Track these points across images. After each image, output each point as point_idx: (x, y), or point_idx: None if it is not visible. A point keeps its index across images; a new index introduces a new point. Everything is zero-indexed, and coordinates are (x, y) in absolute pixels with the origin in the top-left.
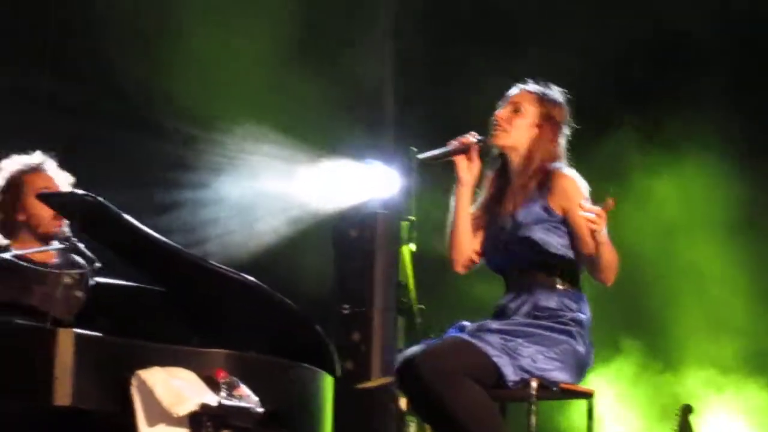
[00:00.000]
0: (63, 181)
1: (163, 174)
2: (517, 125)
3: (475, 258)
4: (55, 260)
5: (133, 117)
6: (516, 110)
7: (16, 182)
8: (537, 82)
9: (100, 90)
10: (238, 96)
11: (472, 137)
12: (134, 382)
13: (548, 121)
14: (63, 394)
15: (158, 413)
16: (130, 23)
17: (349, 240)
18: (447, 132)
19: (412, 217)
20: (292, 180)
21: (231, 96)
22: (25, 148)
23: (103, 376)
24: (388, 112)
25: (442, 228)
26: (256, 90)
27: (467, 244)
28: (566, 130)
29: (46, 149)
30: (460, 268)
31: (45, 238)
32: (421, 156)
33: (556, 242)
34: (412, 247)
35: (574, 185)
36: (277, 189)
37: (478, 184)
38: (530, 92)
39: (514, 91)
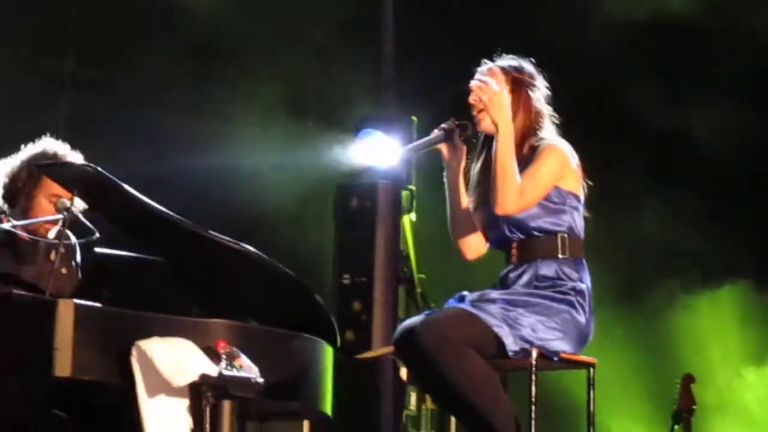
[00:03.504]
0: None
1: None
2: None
3: (483, 242)
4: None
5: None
6: None
7: (28, 175)
8: (502, 56)
9: None
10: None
11: (451, 122)
12: (134, 352)
13: (519, 85)
14: (63, 365)
15: (159, 384)
16: None
17: (350, 210)
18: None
19: (413, 187)
20: (293, 150)
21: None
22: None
23: (103, 347)
24: (388, 80)
25: (443, 198)
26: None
27: (470, 230)
28: (543, 92)
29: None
30: (470, 256)
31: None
32: (405, 148)
33: (552, 217)
34: (413, 216)
35: (552, 152)
36: (279, 159)
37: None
38: (493, 66)
39: (478, 73)
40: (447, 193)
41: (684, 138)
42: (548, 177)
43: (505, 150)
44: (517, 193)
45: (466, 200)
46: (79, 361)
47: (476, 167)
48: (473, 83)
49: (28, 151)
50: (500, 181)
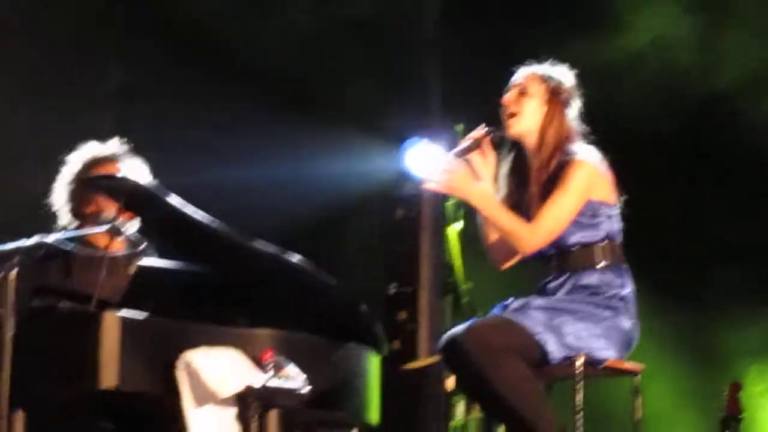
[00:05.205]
0: (138, 172)
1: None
2: (526, 107)
3: (514, 252)
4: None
5: None
6: (522, 93)
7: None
8: (540, 62)
9: None
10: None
11: (481, 130)
12: (180, 363)
13: (556, 96)
14: (109, 377)
15: (205, 394)
16: None
17: (395, 220)
18: (493, 105)
19: None
20: (339, 160)
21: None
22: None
23: (149, 358)
24: (434, 89)
25: None
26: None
27: (501, 239)
28: (576, 104)
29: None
30: (500, 266)
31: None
32: (438, 158)
33: (588, 230)
34: (458, 226)
35: (580, 170)
36: (325, 169)
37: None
38: (533, 73)
39: (517, 75)
40: None
41: None
42: (573, 201)
43: (488, 210)
44: (531, 233)
45: None
46: (125, 372)
47: (503, 175)
48: (429, 185)
49: (80, 161)
50: (507, 235)
